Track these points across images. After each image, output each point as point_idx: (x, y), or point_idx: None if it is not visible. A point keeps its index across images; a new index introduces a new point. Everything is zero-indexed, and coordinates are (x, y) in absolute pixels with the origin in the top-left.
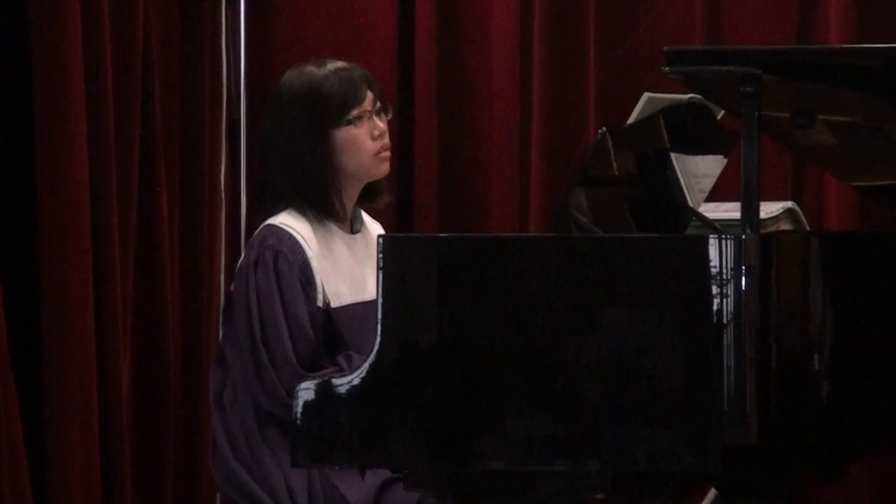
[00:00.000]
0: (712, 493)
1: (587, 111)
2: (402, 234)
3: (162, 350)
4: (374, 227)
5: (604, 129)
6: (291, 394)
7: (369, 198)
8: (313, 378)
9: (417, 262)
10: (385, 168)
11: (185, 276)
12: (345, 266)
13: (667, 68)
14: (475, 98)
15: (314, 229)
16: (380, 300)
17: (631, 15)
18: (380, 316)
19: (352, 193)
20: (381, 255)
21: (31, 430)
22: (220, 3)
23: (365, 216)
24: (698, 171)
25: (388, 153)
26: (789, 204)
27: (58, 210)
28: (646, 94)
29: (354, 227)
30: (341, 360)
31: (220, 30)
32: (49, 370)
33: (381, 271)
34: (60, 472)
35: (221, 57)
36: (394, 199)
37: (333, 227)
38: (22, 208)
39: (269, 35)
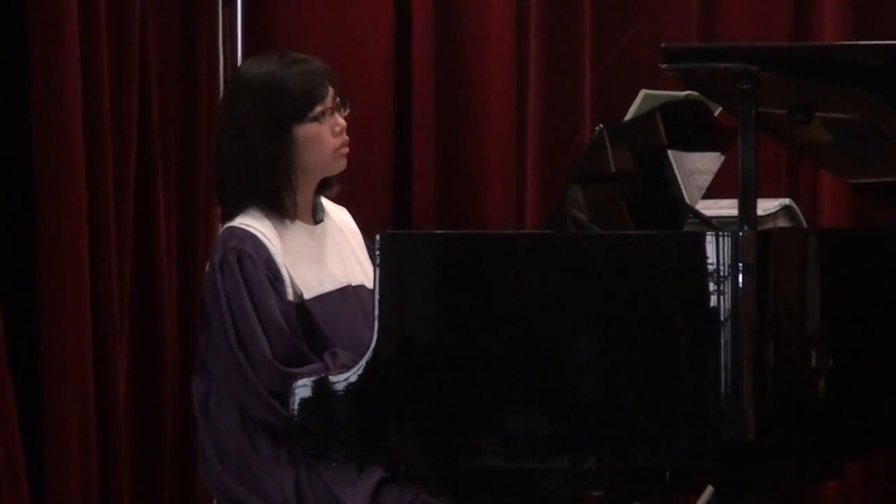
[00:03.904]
0: (709, 490)
1: (584, 108)
2: (399, 231)
3: (159, 351)
4: (338, 213)
5: (601, 126)
6: (274, 394)
7: (321, 190)
8: (294, 374)
9: (414, 259)
10: (343, 164)
11: (182, 276)
12: (311, 257)
13: (664, 65)
14: (472, 95)
15: (275, 226)
16: (377, 297)
17: (627, 12)
18: (377, 313)
19: (307, 188)
20: (378, 252)
21: (29, 434)
22: (217, 2)
23: (327, 203)
24: (695, 167)
25: (347, 149)
26: (786, 201)
27: (55, 210)
28: (643, 91)
29: (317, 217)
30: (327, 357)
31: (217, 27)
32: (47, 374)
33: (378, 268)
34: (58, 475)
35: (218, 54)
36: (391, 196)
37: (295, 221)
38: (18, 209)
39: (266, 33)
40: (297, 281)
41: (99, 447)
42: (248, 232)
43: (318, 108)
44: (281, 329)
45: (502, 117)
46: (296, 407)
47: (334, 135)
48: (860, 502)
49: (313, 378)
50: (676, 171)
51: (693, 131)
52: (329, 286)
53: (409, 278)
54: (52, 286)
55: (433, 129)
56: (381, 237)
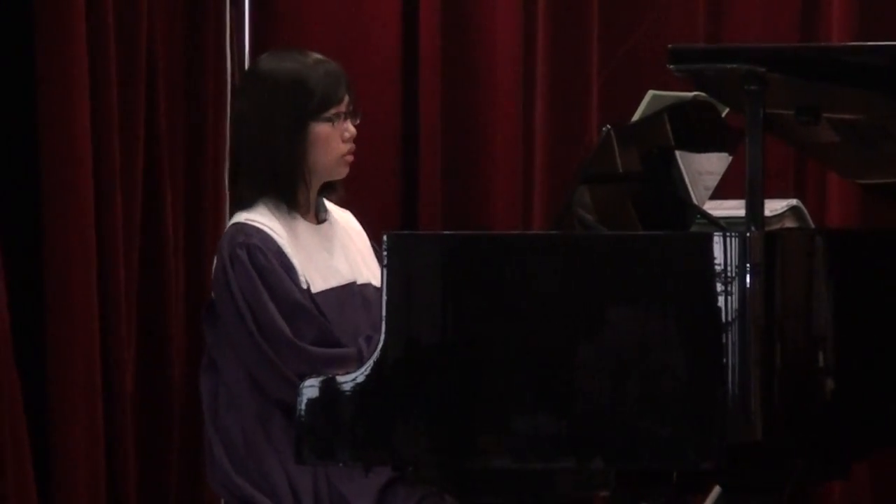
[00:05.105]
0: (716, 490)
1: (591, 109)
2: (406, 232)
3: (166, 348)
4: (342, 215)
5: (608, 126)
6: (303, 377)
7: (324, 193)
8: (318, 354)
9: (422, 260)
10: (345, 171)
11: (189, 273)
12: (315, 254)
13: (671, 66)
14: (479, 95)
15: (281, 222)
16: (384, 298)
17: (634, 12)
18: (384, 313)
19: (314, 187)
20: (385, 253)
21: (35, 429)
22: (224, 0)
23: (331, 206)
24: (703, 168)
25: (352, 157)
26: (794, 201)
27: (62, 208)
28: (650, 92)
29: (320, 216)
30: (361, 341)
31: (224, 28)
32: (53, 369)
33: (385, 269)
34: (65, 470)
35: (225, 55)
36: (398, 195)
37: (299, 219)
38: (26, 206)
39: (273, 33)
40: (305, 275)
41: (106, 442)
42: (254, 227)
43: (334, 110)
44: (305, 309)
45: (509, 117)
46: (303, 407)
47: (343, 140)
48: (867, 503)
49: (321, 378)
50: (684, 172)
51: (700, 132)
52: (334, 282)
53: (416, 279)
54: (59, 281)
55: (440, 128)
56: (388, 237)
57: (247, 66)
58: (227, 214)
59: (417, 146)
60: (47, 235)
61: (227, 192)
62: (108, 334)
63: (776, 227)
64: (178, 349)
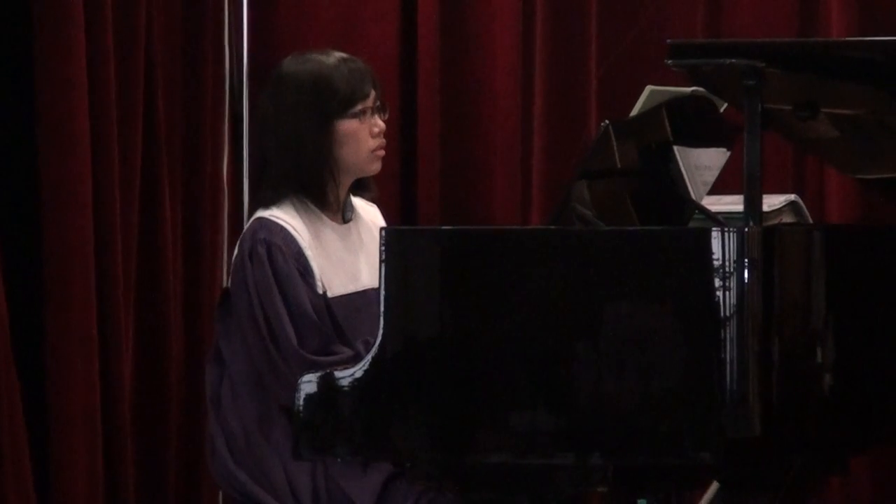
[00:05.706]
0: (714, 485)
1: (589, 104)
2: (404, 227)
3: (164, 345)
4: (369, 211)
5: (606, 121)
6: None
7: (357, 192)
8: (321, 363)
9: (420, 255)
10: (377, 167)
11: (187, 271)
12: (336, 257)
13: (669, 61)
14: (477, 91)
15: (305, 221)
16: (382, 293)
17: (632, 8)
18: (382, 308)
19: (344, 185)
20: (383, 248)
21: (34, 428)
22: (223, 0)
23: (357, 202)
24: (701, 163)
25: (383, 152)
26: (792, 197)
27: (60, 206)
28: (648, 87)
29: (346, 216)
30: (359, 345)
31: (223, 23)
32: (52, 368)
33: (383, 264)
34: (63, 470)
35: (224, 50)
36: (396, 191)
37: (325, 219)
38: (24, 205)
39: (272, 29)
40: (324, 278)
41: (104, 439)
42: (278, 224)
43: (360, 106)
44: (312, 320)
45: (508, 113)
46: (301, 402)
47: (372, 135)
48: (868, 500)
49: (319, 373)
50: (682, 167)
51: (698, 127)
52: (352, 287)
53: (415, 274)
54: (58, 279)
55: (439, 124)
56: (386, 232)
57: (245, 66)
58: (226, 213)
59: (416, 142)
60: (46, 233)
61: (226, 191)
62: (107, 332)
63: (774, 222)
64: (176, 348)
